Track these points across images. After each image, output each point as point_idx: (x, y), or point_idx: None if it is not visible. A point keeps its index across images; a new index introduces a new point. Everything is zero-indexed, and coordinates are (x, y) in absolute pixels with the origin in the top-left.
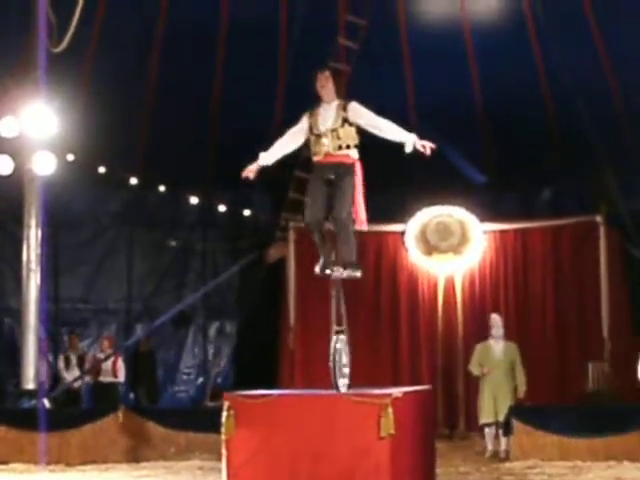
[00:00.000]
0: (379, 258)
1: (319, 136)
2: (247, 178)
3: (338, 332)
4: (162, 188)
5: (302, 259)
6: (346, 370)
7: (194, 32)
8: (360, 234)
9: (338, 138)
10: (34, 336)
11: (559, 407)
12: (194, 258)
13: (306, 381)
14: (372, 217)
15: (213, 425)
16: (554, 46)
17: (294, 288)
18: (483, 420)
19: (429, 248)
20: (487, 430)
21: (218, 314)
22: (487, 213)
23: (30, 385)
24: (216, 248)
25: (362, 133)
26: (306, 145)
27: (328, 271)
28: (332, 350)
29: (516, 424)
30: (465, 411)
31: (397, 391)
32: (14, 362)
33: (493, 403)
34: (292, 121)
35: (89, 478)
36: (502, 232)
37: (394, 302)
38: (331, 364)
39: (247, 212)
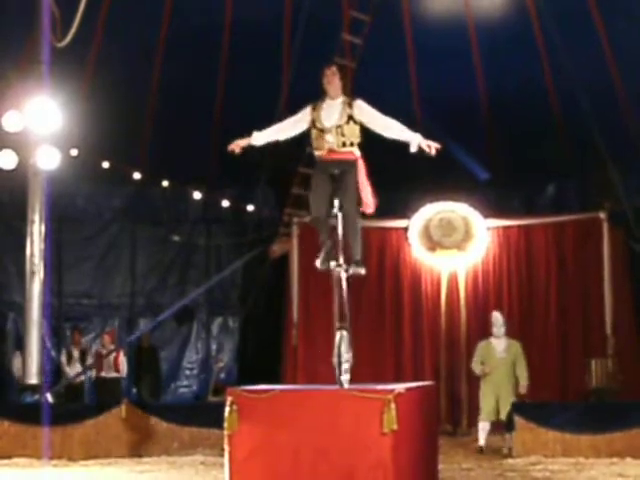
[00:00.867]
0: (382, 254)
1: (322, 131)
2: (232, 151)
3: (340, 328)
4: (166, 183)
5: (306, 255)
6: (347, 366)
7: (199, 28)
8: (363, 231)
9: (342, 135)
10: (37, 331)
11: (562, 404)
12: (197, 253)
13: (309, 377)
14: (375, 213)
15: (216, 420)
16: (558, 43)
17: (297, 284)
18: (483, 420)
19: (432, 244)
20: (481, 425)
21: (221, 310)
22: (491, 209)
23: (33, 380)
24: (219, 244)
25: (365, 131)
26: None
27: (329, 265)
28: (336, 346)
29: (519, 420)
30: (468, 407)
31: (400, 387)
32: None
33: (495, 403)
34: None
35: (92, 473)
36: (505, 228)
37: (397, 298)
38: (335, 359)
39: (251, 207)
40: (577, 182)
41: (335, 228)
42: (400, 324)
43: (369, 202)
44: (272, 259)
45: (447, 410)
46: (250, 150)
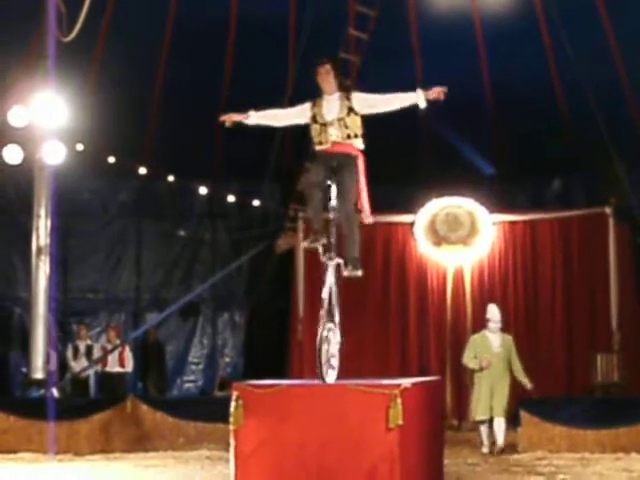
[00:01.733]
0: (388, 249)
1: (325, 125)
2: (223, 122)
3: (327, 320)
4: (171, 178)
5: (311, 250)
6: (335, 361)
7: (205, 22)
8: (369, 226)
9: (346, 127)
10: (43, 326)
11: (567, 399)
12: (203, 248)
13: (315, 372)
14: (381, 208)
15: (222, 415)
16: (564, 36)
17: (303, 279)
18: (478, 417)
19: (438, 239)
20: (482, 428)
21: (227, 305)
22: (496, 204)
23: (39, 374)
24: (225, 239)
25: (369, 127)
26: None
27: (316, 245)
28: (319, 339)
29: (524, 416)
30: None
31: (406, 382)
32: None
33: (490, 399)
34: None
35: (98, 468)
36: (511, 223)
37: (403, 293)
38: (317, 353)
39: (256, 202)
40: (583, 177)
41: (330, 222)
42: (406, 319)
43: (365, 209)
44: (278, 254)
45: (453, 405)
46: (239, 125)
